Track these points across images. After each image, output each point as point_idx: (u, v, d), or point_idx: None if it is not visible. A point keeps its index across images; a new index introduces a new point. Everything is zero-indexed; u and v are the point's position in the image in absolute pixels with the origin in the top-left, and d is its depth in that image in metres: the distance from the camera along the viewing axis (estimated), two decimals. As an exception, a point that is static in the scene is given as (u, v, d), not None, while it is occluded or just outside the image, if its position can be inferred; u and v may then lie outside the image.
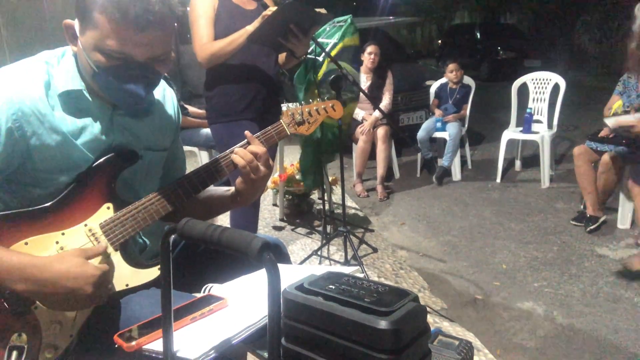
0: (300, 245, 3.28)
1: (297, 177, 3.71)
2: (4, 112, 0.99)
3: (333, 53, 3.08)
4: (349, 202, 4.06)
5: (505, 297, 2.64)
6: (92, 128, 1.09)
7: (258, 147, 1.21)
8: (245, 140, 1.24)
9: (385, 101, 4.58)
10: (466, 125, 4.80)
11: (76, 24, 1.03)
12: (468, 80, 4.89)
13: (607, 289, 2.66)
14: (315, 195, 3.96)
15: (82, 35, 1.01)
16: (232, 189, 1.28)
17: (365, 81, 4.59)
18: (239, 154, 1.19)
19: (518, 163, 4.81)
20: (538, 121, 4.47)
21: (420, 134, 4.70)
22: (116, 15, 0.94)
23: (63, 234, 1.05)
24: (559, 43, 13.37)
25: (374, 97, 4.49)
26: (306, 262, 2.88)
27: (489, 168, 4.79)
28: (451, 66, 4.82)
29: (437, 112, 4.77)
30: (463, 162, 4.88)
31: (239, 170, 1.20)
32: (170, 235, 0.70)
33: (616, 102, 3.33)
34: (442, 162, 4.59)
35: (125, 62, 1.00)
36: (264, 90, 2.26)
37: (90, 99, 1.08)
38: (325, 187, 3.30)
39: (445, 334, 0.78)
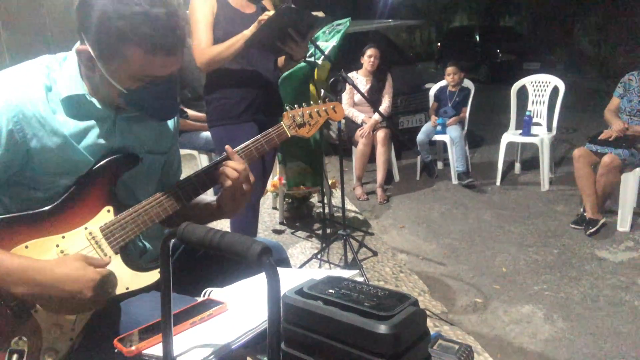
0: (300, 248, 3.28)
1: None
2: (5, 115, 0.99)
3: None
4: (349, 206, 4.07)
5: (506, 301, 2.64)
6: (95, 131, 1.09)
7: (238, 164, 1.19)
8: (224, 154, 1.20)
9: (385, 104, 4.58)
10: (466, 128, 4.80)
11: (92, 49, 1.00)
12: (467, 83, 4.89)
13: (607, 292, 2.66)
14: (315, 199, 3.96)
15: (107, 64, 1.01)
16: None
17: (364, 84, 4.59)
18: (230, 177, 1.16)
19: (517, 166, 4.81)
20: (537, 124, 4.47)
21: (420, 136, 4.70)
22: (149, 47, 0.97)
23: (63, 237, 1.05)
24: (558, 45, 13.39)
25: (374, 100, 4.49)
26: (306, 266, 2.88)
27: (489, 171, 4.79)
28: (450, 69, 4.81)
29: (433, 119, 4.75)
30: (463, 165, 4.87)
31: (225, 189, 1.18)
32: (170, 240, 0.70)
33: None
34: (457, 168, 4.52)
35: (156, 81, 1.04)
36: (264, 92, 2.27)
37: (93, 102, 1.09)
38: (324, 190, 3.30)
39: (445, 338, 0.78)
